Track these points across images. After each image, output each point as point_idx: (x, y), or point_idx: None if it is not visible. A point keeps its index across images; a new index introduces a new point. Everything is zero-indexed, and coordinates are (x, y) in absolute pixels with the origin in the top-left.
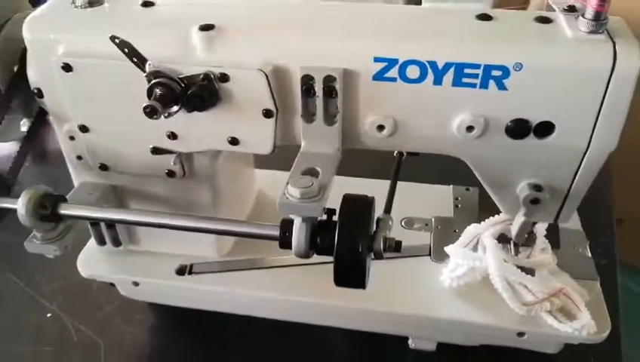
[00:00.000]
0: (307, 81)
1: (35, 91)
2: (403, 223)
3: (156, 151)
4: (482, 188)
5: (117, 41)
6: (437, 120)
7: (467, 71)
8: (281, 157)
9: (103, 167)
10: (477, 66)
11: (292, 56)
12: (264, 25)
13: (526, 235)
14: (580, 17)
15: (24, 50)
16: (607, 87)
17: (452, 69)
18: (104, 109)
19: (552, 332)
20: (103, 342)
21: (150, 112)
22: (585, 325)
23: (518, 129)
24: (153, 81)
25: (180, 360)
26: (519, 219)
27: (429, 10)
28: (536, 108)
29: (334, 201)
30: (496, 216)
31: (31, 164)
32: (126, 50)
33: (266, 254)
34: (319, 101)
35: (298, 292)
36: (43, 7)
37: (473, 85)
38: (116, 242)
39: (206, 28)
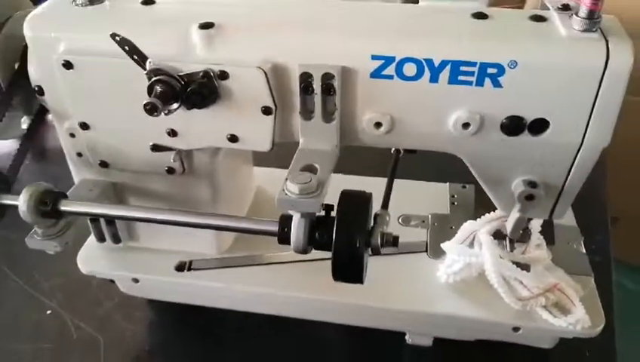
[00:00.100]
0: (306, 79)
1: (36, 89)
2: (400, 220)
3: (156, 148)
4: (478, 186)
5: (118, 38)
6: (433, 117)
7: (463, 68)
8: (279, 154)
9: (103, 164)
10: (473, 64)
11: (291, 54)
12: (263, 23)
13: (521, 231)
14: (574, 16)
15: (25, 48)
16: (600, 85)
17: (448, 67)
18: (105, 107)
19: (546, 327)
20: (102, 339)
21: (150, 109)
22: (579, 319)
23: (513, 126)
24: (153, 79)
25: (179, 356)
26: (514, 215)
27: (425, 8)
28: (531, 105)
29: (332, 199)
30: (492, 212)
31: (30, 162)
32: (126, 47)
33: (264, 251)
34: (317, 98)
35: (296, 288)
36: (44, 5)
37: (469, 83)
38: (116, 239)
39: (206, 26)
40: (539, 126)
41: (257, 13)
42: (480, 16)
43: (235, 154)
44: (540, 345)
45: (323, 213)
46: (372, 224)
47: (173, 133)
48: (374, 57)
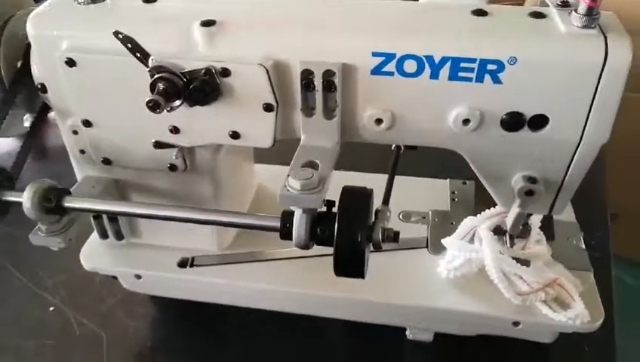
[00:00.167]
0: (307, 76)
1: (39, 86)
2: (401, 216)
3: (158, 145)
4: (478, 182)
5: (120, 36)
6: (434, 113)
7: (463, 65)
8: (280, 151)
9: (106, 161)
10: (473, 60)
11: (292, 51)
12: (264, 20)
13: (521, 227)
14: (573, 12)
15: (27, 46)
16: (599, 81)
17: (448, 63)
18: (107, 104)
19: (546, 322)
20: (105, 335)
21: (153, 107)
22: (579, 314)
23: (513, 122)
24: (156, 76)
25: (182, 352)
26: (514, 211)
27: (426, 6)
28: (531, 101)
29: (333, 195)
30: (492, 208)
31: (32, 160)
32: (129, 45)
33: (265, 247)
34: (319, 95)
35: (297, 284)
36: (46, 3)
37: (469, 79)
38: (118, 235)
39: (207, 23)
40: (538, 122)
41: (258, 11)
42: (480, 13)
43: (236, 151)
44: (539, 340)
45: (324, 208)
46: (373, 220)
47: (175, 130)
48: (375, 54)
